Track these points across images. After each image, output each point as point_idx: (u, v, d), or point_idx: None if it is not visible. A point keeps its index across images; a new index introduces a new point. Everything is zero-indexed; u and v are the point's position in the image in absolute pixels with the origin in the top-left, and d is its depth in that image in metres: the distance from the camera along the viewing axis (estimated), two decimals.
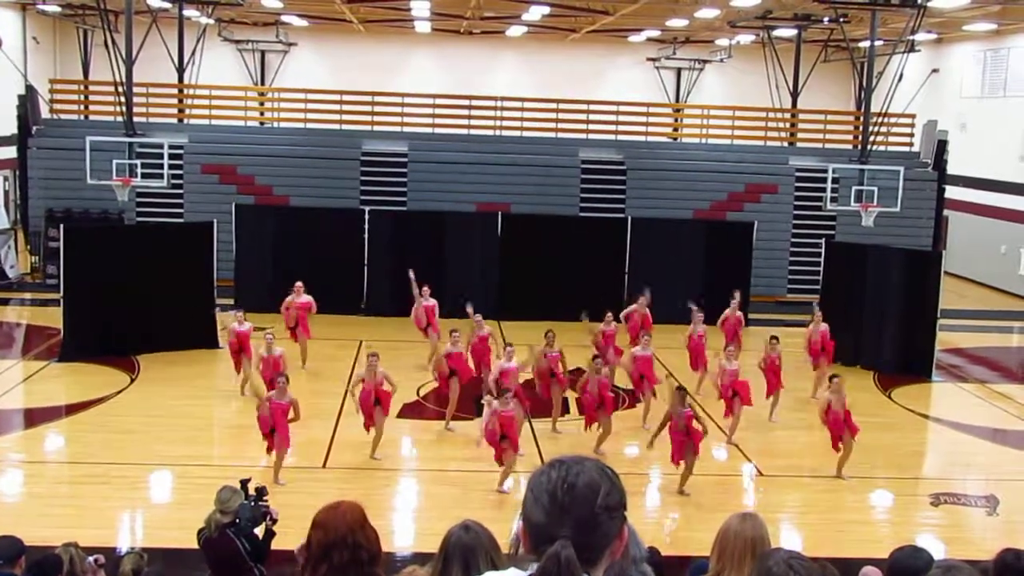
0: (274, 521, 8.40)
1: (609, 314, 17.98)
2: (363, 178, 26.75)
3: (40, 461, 14.61)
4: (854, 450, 14.46)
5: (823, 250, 22.69)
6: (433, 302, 19.09)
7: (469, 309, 17.47)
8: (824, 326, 18.21)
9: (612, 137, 29.22)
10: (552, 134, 29.35)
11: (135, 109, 25.07)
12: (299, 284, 19.11)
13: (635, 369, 16.18)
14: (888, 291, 20.63)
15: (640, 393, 16.38)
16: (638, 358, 16.14)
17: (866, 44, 27.03)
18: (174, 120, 28.98)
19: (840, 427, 14.21)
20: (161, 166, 23.31)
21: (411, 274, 19.23)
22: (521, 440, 14.16)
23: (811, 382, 18.10)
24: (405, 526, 12.55)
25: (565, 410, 16.52)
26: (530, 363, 15.79)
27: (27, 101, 27.01)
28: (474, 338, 16.96)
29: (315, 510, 4.23)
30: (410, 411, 16.78)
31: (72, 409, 16.42)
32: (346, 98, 29.68)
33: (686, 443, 13.41)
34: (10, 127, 27.90)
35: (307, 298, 19.14)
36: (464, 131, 29.12)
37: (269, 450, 13.34)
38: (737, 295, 19.54)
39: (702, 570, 5.17)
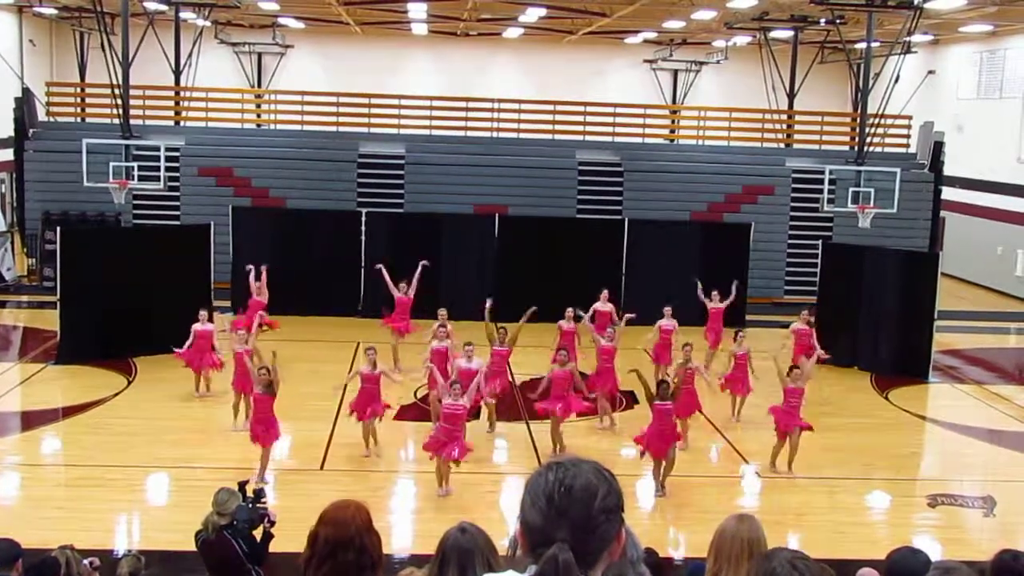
0: (272, 523, 8.38)
1: (569, 310, 17.84)
2: (360, 180, 26.73)
3: (37, 464, 14.60)
4: (846, 449, 14.47)
5: (820, 251, 22.71)
6: (409, 298, 19.05)
7: (488, 302, 17.63)
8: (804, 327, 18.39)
9: (609, 139, 29.23)
10: (549, 136, 29.35)
11: (132, 111, 25.09)
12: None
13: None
14: (885, 292, 20.65)
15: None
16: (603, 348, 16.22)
17: (862, 46, 27.07)
18: (171, 122, 28.96)
19: (788, 420, 14.21)
20: (158, 168, 23.31)
21: (382, 270, 19.25)
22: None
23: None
24: (402, 528, 12.54)
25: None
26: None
27: (23, 104, 26.98)
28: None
29: (312, 512, 4.21)
30: (407, 413, 16.77)
31: (69, 412, 16.40)
32: (343, 100, 29.69)
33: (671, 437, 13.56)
34: (7, 130, 27.89)
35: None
36: (461, 133, 29.12)
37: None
38: (715, 294, 19.59)
39: (700, 571, 5.17)
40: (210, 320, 17.19)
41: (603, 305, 18.90)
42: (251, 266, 19.34)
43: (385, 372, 14.72)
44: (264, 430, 13.44)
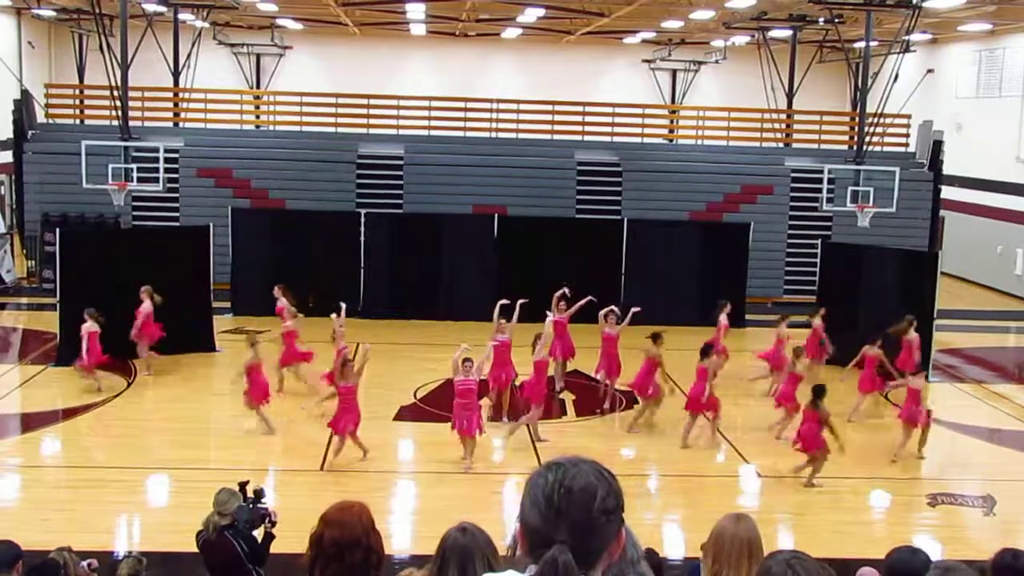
0: (273, 523, 8.38)
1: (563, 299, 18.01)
2: (359, 181, 26.72)
3: (37, 465, 14.60)
4: (850, 450, 14.46)
5: (819, 251, 22.71)
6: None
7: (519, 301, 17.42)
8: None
9: (608, 139, 29.24)
10: (548, 136, 29.34)
11: (131, 113, 25.09)
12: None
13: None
14: (884, 292, 20.64)
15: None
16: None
17: (861, 45, 27.07)
18: (170, 124, 28.96)
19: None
20: (157, 170, 23.31)
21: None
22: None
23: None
24: (402, 528, 12.54)
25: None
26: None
27: (22, 105, 26.98)
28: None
29: (313, 512, 4.22)
30: (407, 414, 16.79)
31: (69, 413, 16.40)
32: (341, 101, 29.69)
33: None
34: (6, 131, 27.89)
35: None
36: (460, 133, 29.12)
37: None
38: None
39: (700, 571, 5.17)
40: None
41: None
42: (342, 303, 18.04)
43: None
44: (345, 419, 13.96)
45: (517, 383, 16.51)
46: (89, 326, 17.33)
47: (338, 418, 14.09)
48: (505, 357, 16.45)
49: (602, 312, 17.38)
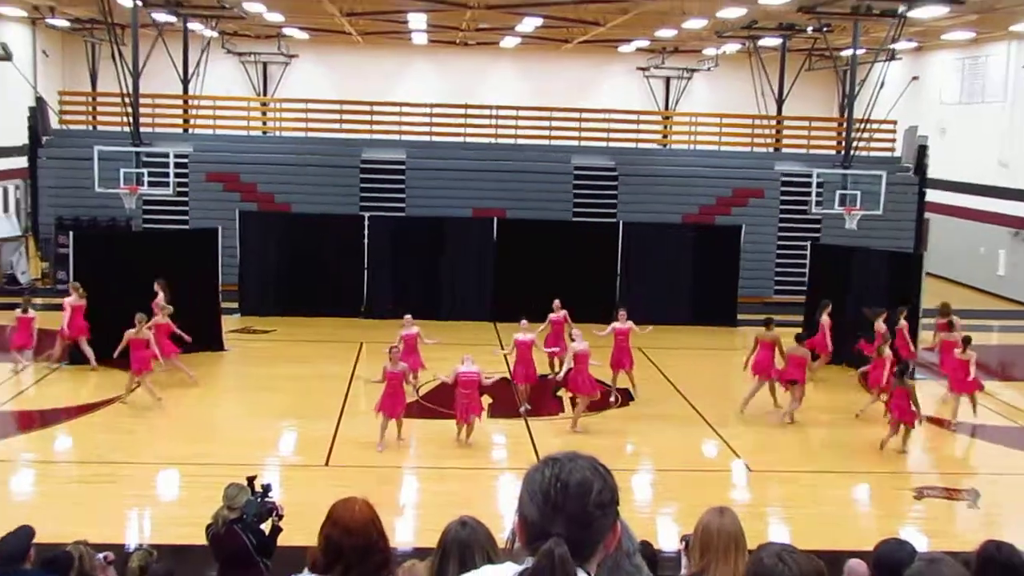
0: (280, 517, 8.37)
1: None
2: (363, 185, 26.74)
3: (50, 461, 14.58)
4: (835, 444, 14.45)
5: (808, 252, 22.70)
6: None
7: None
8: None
9: (604, 144, 29.24)
10: (546, 141, 29.34)
11: (141, 119, 25.09)
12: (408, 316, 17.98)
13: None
14: (871, 292, 20.62)
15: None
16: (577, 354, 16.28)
17: (849, 53, 27.05)
18: (179, 130, 28.96)
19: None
20: (167, 174, 23.31)
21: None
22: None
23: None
24: (405, 522, 12.53)
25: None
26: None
27: (37, 112, 27.00)
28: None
29: (319, 507, 4.18)
30: (410, 410, 16.75)
31: (81, 410, 16.39)
32: (346, 107, 29.71)
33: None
34: (21, 138, 27.90)
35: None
36: (460, 139, 29.13)
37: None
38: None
39: None
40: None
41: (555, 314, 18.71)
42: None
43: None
44: (392, 403, 14.66)
45: (561, 376, 16.82)
46: (73, 299, 18.36)
47: (386, 402, 14.60)
48: (527, 355, 16.85)
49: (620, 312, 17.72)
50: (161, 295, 18.37)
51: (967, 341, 17.52)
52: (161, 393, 16.78)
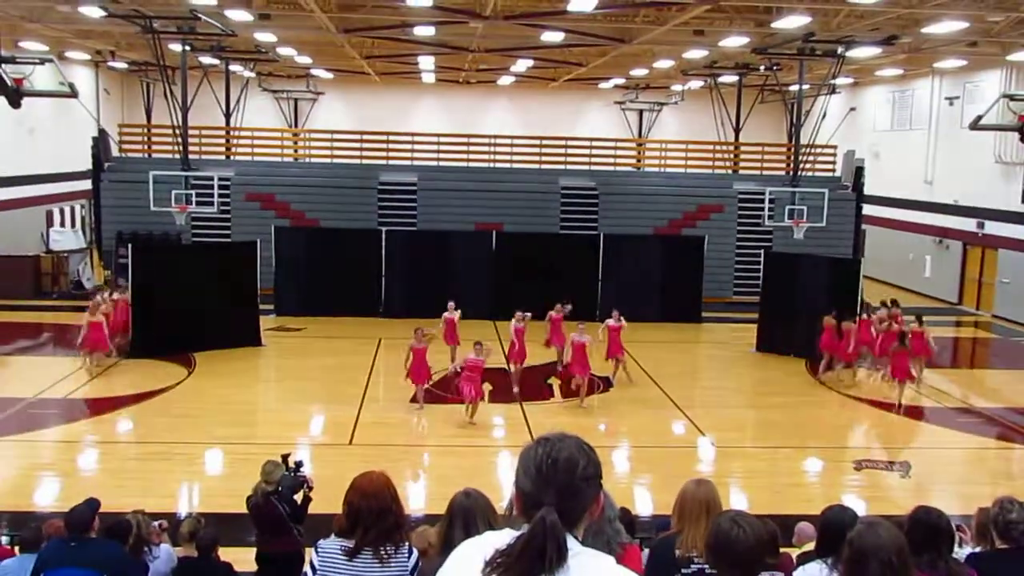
0: (310, 489, 8.35)
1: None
2: (380, 204, 26.71)
3: (113, 441, 14.54)
4: (785, 423, 14.37)
5: (762, 259, 22.70)
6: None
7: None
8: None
9: (586, 167, 29.20)
10: (537, 165, 29.33)
11: (190, 148, 25.05)
12: (451, 303, 18.47)
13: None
14: (816, 293, 20.63)
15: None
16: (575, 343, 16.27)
17: (796, 88, 27.08)
18: (222, 157, 28.90)
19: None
20: (212, 195, 23.29)
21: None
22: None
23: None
24: (418, 492, 12.50)
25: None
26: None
27: (99, 142, 26.95)
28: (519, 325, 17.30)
29: (343, 480, 4.20)
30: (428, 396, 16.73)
31: (139, 397, 16.34)
32: (365, 137, 29.68)
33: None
34: (86, 164, 27.86)
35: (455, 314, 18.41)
36: (464, 164, 29.11)
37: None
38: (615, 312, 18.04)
39: (666, 526, 5.16)
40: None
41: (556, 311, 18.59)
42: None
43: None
44: (418, 372, 15.43)
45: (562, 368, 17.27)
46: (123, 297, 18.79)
47: (414, 372, 15.43)
48: (521, 341, 17.11)
49: (615, 313, 17.71)
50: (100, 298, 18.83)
51: (920, 319, 18.79)
52: (208, 383, 16.72)
